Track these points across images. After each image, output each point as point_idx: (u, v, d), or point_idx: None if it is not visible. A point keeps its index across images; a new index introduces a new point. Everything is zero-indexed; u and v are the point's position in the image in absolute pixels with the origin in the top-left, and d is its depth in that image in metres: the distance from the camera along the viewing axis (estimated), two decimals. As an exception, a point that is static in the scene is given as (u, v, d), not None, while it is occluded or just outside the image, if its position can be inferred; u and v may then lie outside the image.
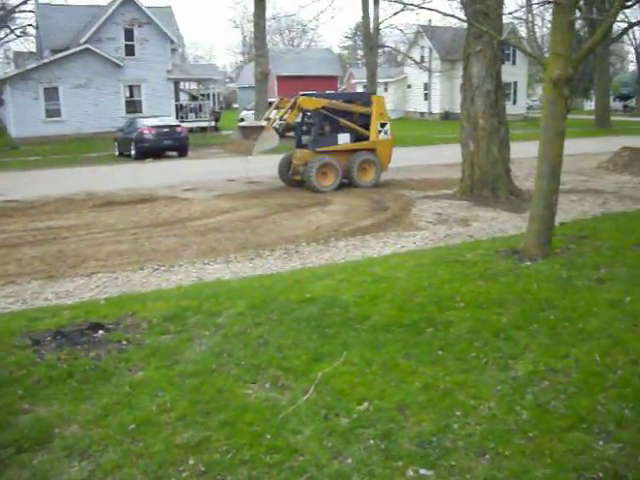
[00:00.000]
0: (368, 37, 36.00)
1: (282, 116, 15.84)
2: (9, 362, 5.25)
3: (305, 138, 16.39)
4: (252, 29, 34.30)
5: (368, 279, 7.50)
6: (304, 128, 16.58)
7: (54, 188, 16.66)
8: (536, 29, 41.47)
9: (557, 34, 8.31)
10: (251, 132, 15.88)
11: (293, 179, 16.27)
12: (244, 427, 4.17)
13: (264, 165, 17.88)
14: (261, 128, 15.42)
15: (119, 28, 35.65)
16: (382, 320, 6.04)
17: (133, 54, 35.91)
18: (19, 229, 11.71)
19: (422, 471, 3.76)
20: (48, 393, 4.73)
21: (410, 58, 44.64)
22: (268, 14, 32.22)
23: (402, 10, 35.74)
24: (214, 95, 42.01)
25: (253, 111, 32.95)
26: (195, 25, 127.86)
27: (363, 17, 35.49)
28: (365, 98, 17.16)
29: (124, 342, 5.64)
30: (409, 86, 55.13)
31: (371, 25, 35.53)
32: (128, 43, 35.96)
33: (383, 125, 16.55)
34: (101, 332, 5.86)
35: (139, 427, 4.21)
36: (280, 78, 54.76)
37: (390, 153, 16.90)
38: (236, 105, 69.63)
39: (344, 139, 16.13)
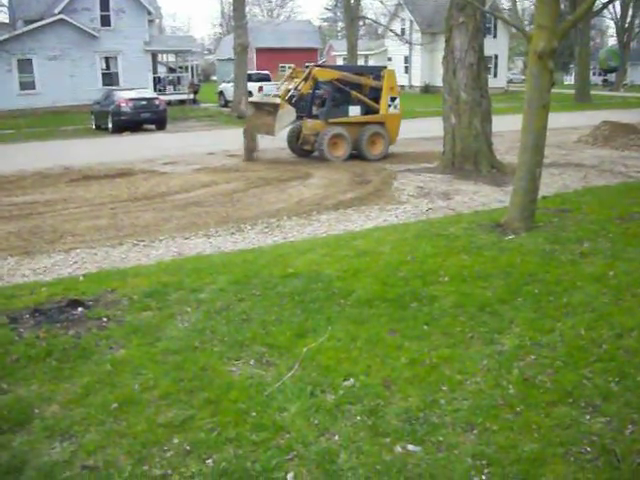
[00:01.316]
0: (349, 9, 35.61)
1: (297, 87, 15.92)
2: (-15, 341, 5.12)
3: (315, 108, 16.44)
4: (231, 0, 33.69)
5: (351, 253, 7.43)
6: (315, 99, 16.55)
7: (30, 162, 16.32)
8: (517, 2, 41.28)
9: (542, 6, 8.20)
10: (263, 108, 15.93)
11: (303, 149, 16.43)
12: (229, 405, 4.10)
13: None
14: (274, 105, 15.45)
15: (94, -2, 34.83)
16: (366, 295, 5.99)
17: (109, 25, 35.13)
18: (-7, 204, 11.45)
19: (410, 447, 3.73)
20: (27, 372, 4.63)
21: (391, 31, 44.22)
22: (247, -16, 31.65)
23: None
24: (192, 67, 41.36)
25: (232, 83, 32.53)
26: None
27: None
28: (376, 72, 17.17)
29: (104, 319, 5.53)
30: (389, 59, 54.69)
31: (352, -4, 35.12)
32: (104, 13, 35.13)
33: (393, 99, 16.61)
34: (80, 309, 5.74)
35: (121, 406, 4.13)
36: (259, 50, 54.15)
37: (398, 127, 16.97)
38: (215, 77, 68.71)
39: (355, 111, 16.24)
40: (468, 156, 13.91)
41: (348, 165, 14.98)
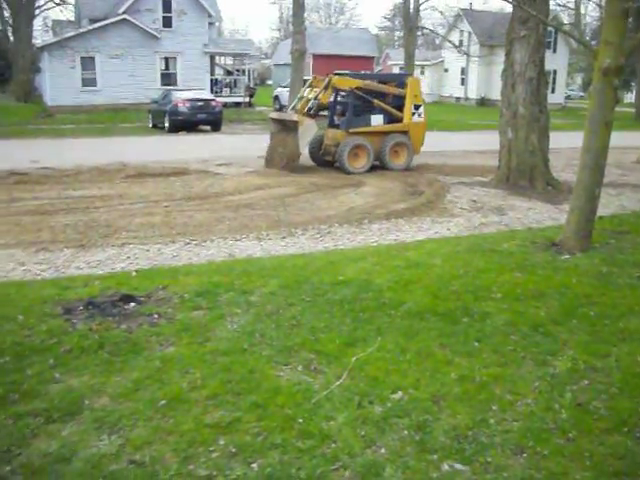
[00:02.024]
0: (408, 18, 35.48)
1: (316, 96, 15.57)
2: (41, 330, 5.23)
3: (337, 118, 16.17)
4: (290, 5, 33.94)
5: (402, 264, 7.37)
6: (337, 108, 16.32)
7: (88, 157, 16.71)
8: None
9: (610, 22, 8.02)
10: (285, 124, 15.59)
11: (324, 159, 16.08)
12: (276, 410, 4.09)
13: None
14: (294, 122, 15.16)
15: (157, -1, 35.55)
16: (417, 307, 5.92)
17: (170, 26, 35.78)
18: (52, 197, 11.74)
19: (457, 466, 3.66)
20: (79, 363, 4.70)
21: (449, 41, 43.91)
22: (307, -9, 31.85)
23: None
24: (249, 71, 41.81)
25: (288, 88, 32.72)
26: None
27: (404, -3, 34.96)
28: (400, 79, 16.86)
29: (155, 316, 5.59)
30: (446, 70, 54.37)
31: (411, 6, 35.00)
32: (166, 15, 35.82)
33: (417, 107, 16.21)
34: (132, 304, 5.82)
35: (169, 403, 4.16)
36: (316, 56, 54.26)
37: (423, 136, 16.53)
38: (270, 82, 69.30)
39: (377, 120, 15.83)
40: (523, 172, 13.68)
41: (401, 175, 14.89)
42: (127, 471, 3.52)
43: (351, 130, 15.47)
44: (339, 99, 16.28)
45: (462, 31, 50.58)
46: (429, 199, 12.13)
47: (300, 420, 3.99)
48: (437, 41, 58.23)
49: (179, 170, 14.85)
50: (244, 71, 41.01)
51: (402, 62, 41.05)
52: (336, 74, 16.27)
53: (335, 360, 4.81)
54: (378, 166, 15.67)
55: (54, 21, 49.22)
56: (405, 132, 16.05)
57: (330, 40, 57.48)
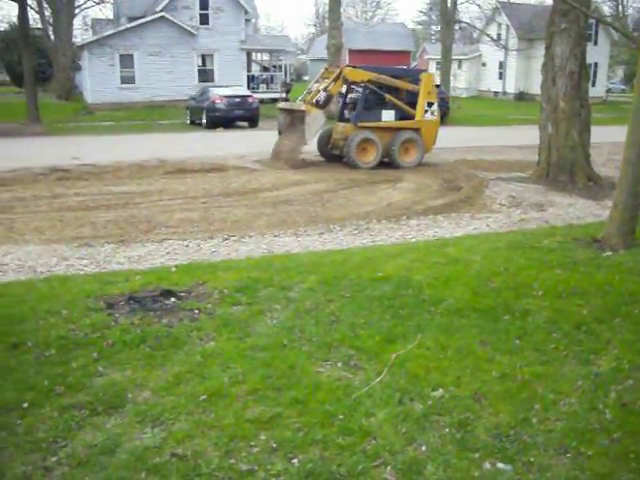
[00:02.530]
0: (445, 12, 35.19)
1: (326, 87, 15.31)
2: (84, 324, 5.32)
3: (348, 112, 15.88)
4: (326, 1, 33.91)
5: (442, 260, 7.31)
6: (348, 102, 15.99)
7: (127, 154, 16.93)
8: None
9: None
10: (293, 115, 15.45)
11: (332, 153, 15.81)
12: (316, 406, 4.09)
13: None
14: (301, 112, 14.96)
15: (195, -4, 35.82)
16: (457, 304, 5.87)
17: (207, 23, 36.04)
18: (94, 193, 11.93)
19: (500, 465, 3.62)
20: (122, 357, 4.77)
21: (487, 35, 43.39)
22: (343, -14, 31.78)
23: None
24: (285, 66, 41.90)
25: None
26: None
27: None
28: (415, 75, 16.43)
29: (196, 311, 5.64)
30: (484, 64, 53.71)
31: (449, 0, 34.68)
32: (203, 12, 36.09)
33: (430, 105, 15.77)
34: (173, 299, 5.89)
35: (210, 398, 4.19)
36: (352, 52, 54.16)
37: (435, 135, 16.12)
38: (307, 77, 69.35)
39: (388, 116, 15.49)
40: (564, 167, 13.45)
41: (438, 170, 14.78)
42: (170, 464, 3.56)
43: (360, 124, 15.16)
44: (351, 93, 16.00)
45: (500, 24, 49.92)
46: (468, 195, 12.01)
47: (340, 416, 3.99)
48: (475, 35, 57.49)
49: (217, 166, 14.96)
50: (280, 67, 41.11)
51: (439, 56, 40.74)
52: (348, 66, 16.00)
53: (375, 356, 4.79)
54: (387, 163, 15.42)
55: (93, 20, 49.97)
56: (416, 129, 15.66)
57: (366, 35, 57.28)
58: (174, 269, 7.01)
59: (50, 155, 16.79)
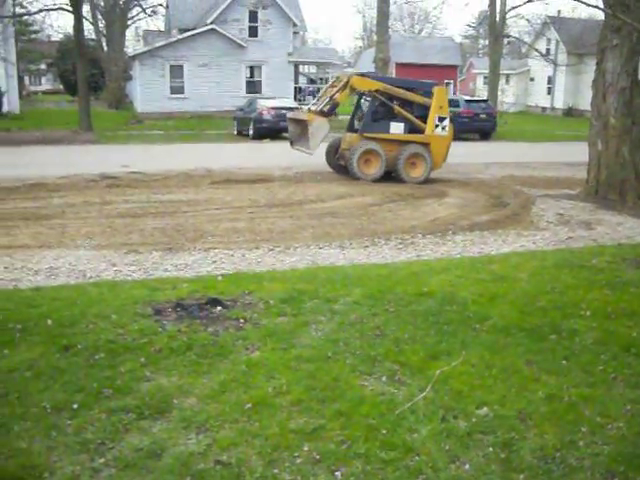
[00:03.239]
0: (494, 26, 34.95)
1: (332, 95, 15.05)
2: (133, 329, 5.43)
3: (357, 123, 15.57)
4: (374, 14, 34.04)
5: (487, 277, 7.25)
6: (358, 112, 15.67)
7: (175, 163, 17.23)
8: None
9: None
10: (300, 124, 15.28)
11: (339, 164, 15.49)
12: (359, 419, 4.10)
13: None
14: (304, 121, 14.75)
15: (244, 10, 36.38)
16: (502, 322, 5.81)
17: (256, 36, 36.56)
18: (142, 200, 12.16)
19: (545, 487, 3.57)
20: (168, 363, 4.85)
21: (535, 50, 42.95)
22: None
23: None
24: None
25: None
26: (317, 9, 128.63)
27: (490, 5, 34.45)
28: (427, 88, 15.86)
29: (241, 320, 5.71)
30: (532, 79, 53.18)
31: (497, 14, 34.45)
32: (252, 25, 36.66)
33: (442, 120, 15.28)
34: (219, 308, 5.97)
35: (255, 407, 4.23)
36: (399, 65, 54.16)
37: (446, 151, 15.57)
38: (352, 90, 69.50)
39: (397, 128, 15.09)
40: (613, 185, 13.21)
41: (485, 186, 14.65)
42: (214, 471, 3.60)
43: (366, 134, 14.86)
44: (362, 104, 15.66)
45: (549, 39, 49.36)
46: (514, 211, 11.88)
47: (384, 431, 3.98)
48: (523, 49, 56.92)
49: (263, 177, 15.11)
50: (327, 79, 41.33)
51: (486, 71, 40.51)
52: (357, 74, 15.74)
53: (419, 372, 4.78)
54: (393, 177, 15.10)
55: (145, 31, 51.14)
56: (425, 144, 15.19)
57: (413, 49, 57.26)
58: (220, 278, 7.10)
59: (101, 162, 17.21)
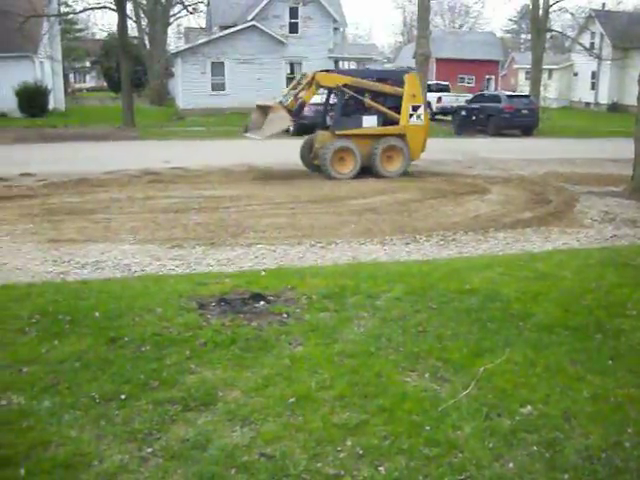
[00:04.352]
0: (536, 20, 34.38)
1: (297, 94, 14.66)
2: (178, 323, 5.52)
3: (330, 120, 15.17)
4: (414, 9, 33.83)
5: (530, 275, 7.18)
6: (329, 109, 15.27)
7: (216, 158, 17.41)
8: None
9: None
10: (264, 110, 14.88)
11: (314, 163, 15.04)
12: (403, 415, 4.11)
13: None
14: (268, 108, 14.46)
15: (285, 6, 36.54)
16: (546, 320, 5.76)
17: (297, 32, 36.69)
18: (184, 196, 12.33)
19: (590, 488, 3.53)
20: (213, 357, 4.92)
21: (579, 44, 42.18)
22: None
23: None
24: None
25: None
26: (356, 4, 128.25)
27: (532, -1, 33.91)
28: (397, 77, 15.43)
29: (284, 315, 5.76)
30: (575, 74, 52.22)
31: (540, 8, 33.90)
32: (292, 21, 36.81)
33: (416, 108, 14.76)
34: (262, 303, 6.03)
35: (298, 401, 4.27)
36: (439, 61, 53.77)
37: (423, 141, 15.08)
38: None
39: (370, 122, 14.60)
40: (660, 182, 12.94)
41: (527, 183, 14.47)
42: (258, 463, 3.65)
43: (338, 132, 14.41)
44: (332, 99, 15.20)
45: (594, 33, 48.39)
46: (557, 208, 11.72)
47: (427, 427, 3.99)
48: (566, 44, 55.91)
49: (304, 173, 15.15)
50: (367, 75, 41.25)
51: (528, 66, 39.90)
52: (321, 71, 15.34)
53: (462, 369, 4.77)
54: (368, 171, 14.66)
55: (187, 28, 51.68)
56: (401, 135, 14.73)
57: (454, 44, 56.81)
58: (263, 273, 7.16)
59: (143, 158, 17.48)
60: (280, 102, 15.05)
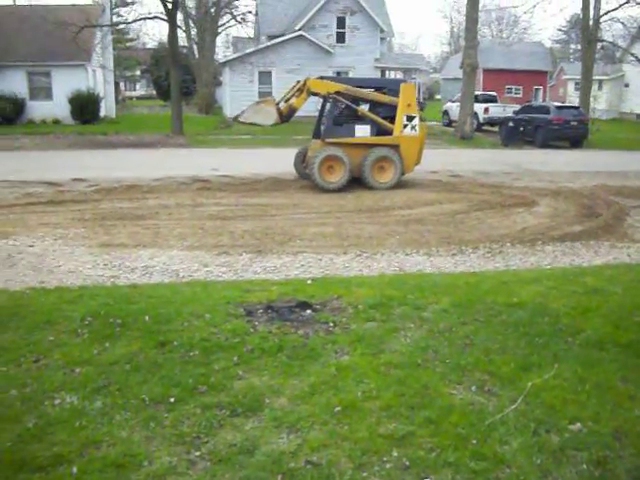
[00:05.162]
0: (586, 30, 33.79)
1: (288, 99, 14.52)
2: (226, 329, 5.60)
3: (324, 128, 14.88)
4: (461, 19, 33.67)
5: (579, 289, 7.06)
6: (324, 117, 14.98)
7: (263, 167, 17.56)
8: None
9: None
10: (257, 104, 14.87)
11: (306, 172, 14.77)
12: (449, 428, 4.09)
13: (467, 159, 17.52)
14: (263, 101, 14.44)
15: (332, 16, 36.73)
16: (596, 336, 5.65)
17: (344, 41, 36.82)
18: (231, 203, 12.48)
19: (642, 508, 3.47)
20: (260, 363, 4.98)
21: (631, 54, 41.25)
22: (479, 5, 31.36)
23: (627, 2, 33.36)
24: (418, 85, 41.87)
25: (457, 103, 32.43)
26: (403, 14, 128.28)
27: (583, 9, 33.36)
28: (393, 86, 14.93)
29: (330, 324, 5.79)
30: (626, 85, 51.14)
31: (591, 17, 33.34)
32: (339, 31, 36.96)
33: (411, 119, 14.34)
34: (308, 311, 6.07)
35: (344, 410, 4.29)
36: (486, 71, 53.28)
37: (418, 152, 14.70)
38: (439, 96, 69.00)
39: (363, 131, 14.27)
40: None
41: (576, 195, 14.21)
42: (304, 470, 3.69)
43: (328, 140, 14.15)
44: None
45: (647, 43, 47.32)
46: (607, 222, 11.49)
47: (473, 441, 3.96)
48: (617, 54, 54.83)
49: (349, 183, 15.11)
50: (413, 85, 41.17)
51: (578, 76, 39.28)
52: (317, 78, 15.11)
53: (509, 383, 4.72)
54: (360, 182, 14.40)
55: (235, 38, 52.37)
56: (394, 146, 14.32)
57: (501, 54, 56.23)
58: (309, 282, 7.21)
59: (192, 166, 17.75)
60: (277, 103, 15.01)
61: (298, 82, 15.00)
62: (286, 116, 14.50)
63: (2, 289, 6.90)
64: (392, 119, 14.42)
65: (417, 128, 14.48)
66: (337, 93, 14.28)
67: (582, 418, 4.28)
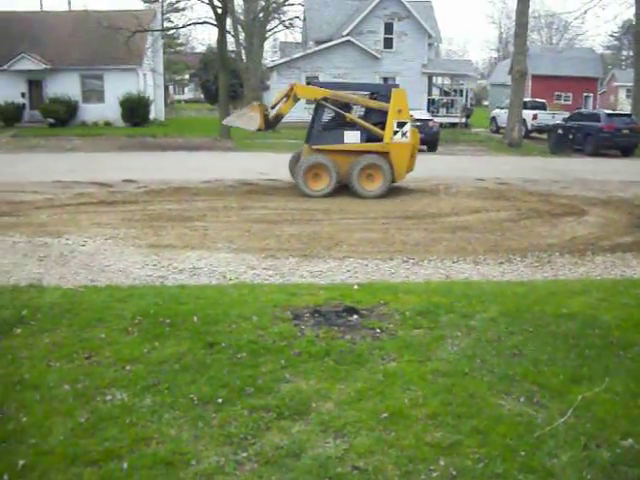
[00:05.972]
0: (639, 36, 33.08)
1: (274, 105, 14.34)
2: (273, 332, 5.65)
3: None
4: (509, 25, 33.33)
5: (631, 302, 6.91)
6: (315, 122, 14.64)
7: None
8: None
9: None
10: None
11: None
12: (497, 438, 4.05)
13: (515, 167, 17.31)
14: (251, 106, 14.44)
15: (380, 21, 36.78)
16: (649, 350, 5.53)
17: (391, 47, 36.83)
18: (279, 207, 12.58)
19: (696, 527, 3.38)
20: (307, 367, 5.00)
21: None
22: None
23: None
24: (466, 91, 41.57)
25: (505, 110, 32.09)
26: (451, 19, 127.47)
27: (636, 13, 32.64)
28: (383, 91, 14.64)
29: (377, 330, 5.79)
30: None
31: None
32: (387, 36, 36.99)
33: (401, 125, 13.90)
34: (355, 317, 6.08)
35: (391, 417, 4.28)
36: (535, 77, 52.55)
37: (408, 160, 14.27)
38: (486, 102, 68.31)
39: (352, 138, 13.91)
40: None
41: (628, 205, 13.91)
42: (351, 476, 3.69)
43: (314, 146, 13.92)
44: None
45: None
46: (660, 233, 11.22)
47: (522, 452, 3.92)
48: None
49: (396, 188, 15.11)
50: (461, 91, 40.85)
51: (630, 83, 38.46)
52: (308, 84, 14.89)
53: (558, 395, 4.65)
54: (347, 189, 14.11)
55: (282, 43, 52.73)
56: (384, 153, 13.89)
57: (550, 60, 55.41)
58: (356, 287, 7.21)
59: (238, 169, 17.96)
60: (270, 108, 14.94)
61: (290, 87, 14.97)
62: (273, 122, 14.53)
63: (56, 286, 7.09)
64: (382, 125, 14.10)
65: (408, 134, 14.10)
66: (324, 99, 14.15)
67: (634, 434, 4.19)
